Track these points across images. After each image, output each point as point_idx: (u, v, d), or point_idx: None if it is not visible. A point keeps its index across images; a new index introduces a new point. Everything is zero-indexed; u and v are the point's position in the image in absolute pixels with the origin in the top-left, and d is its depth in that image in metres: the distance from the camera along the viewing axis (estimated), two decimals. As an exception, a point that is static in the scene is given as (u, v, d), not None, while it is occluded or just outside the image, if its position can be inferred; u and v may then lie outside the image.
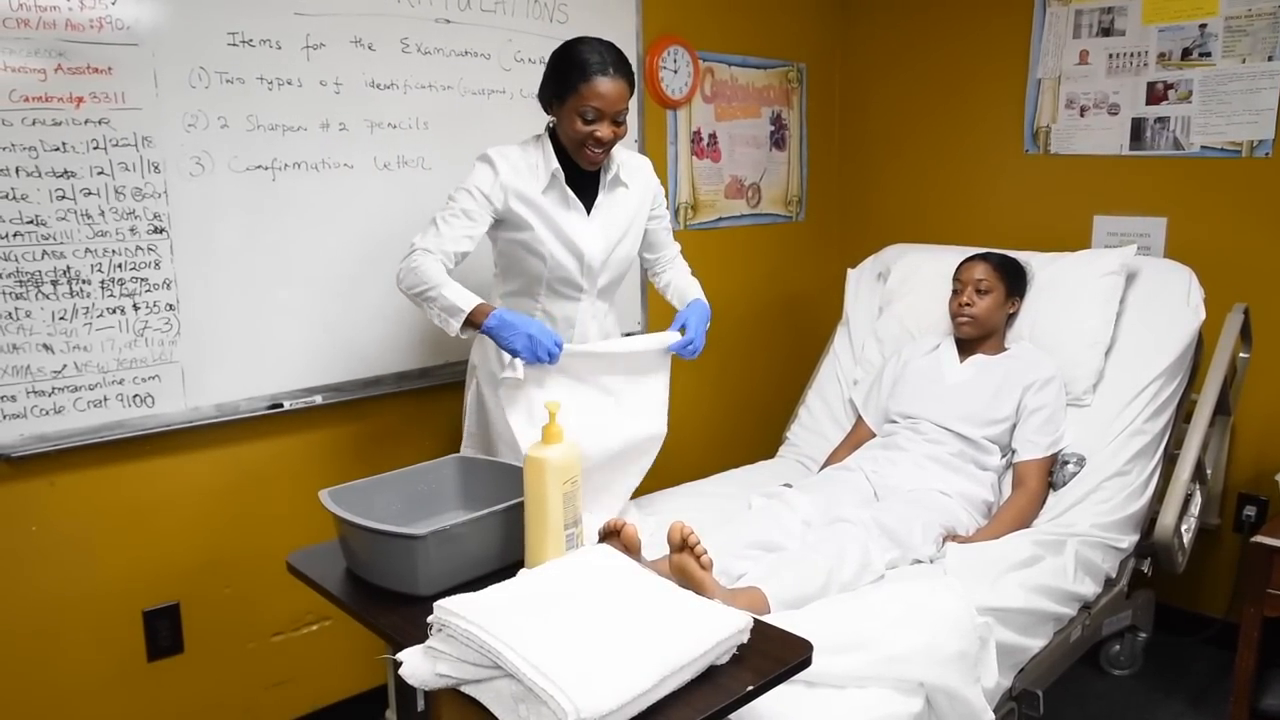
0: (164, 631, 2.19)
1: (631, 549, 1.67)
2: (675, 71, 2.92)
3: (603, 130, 1.98)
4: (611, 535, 1.68)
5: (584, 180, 2.10)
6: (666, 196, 2.49)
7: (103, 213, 1.94)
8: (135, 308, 2.01)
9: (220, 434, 2.19)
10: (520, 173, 2.04)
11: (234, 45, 2.06)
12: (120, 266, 1.98)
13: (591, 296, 2.16)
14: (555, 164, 2.05)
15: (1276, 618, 2.36)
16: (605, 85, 1.96)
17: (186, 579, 2.20)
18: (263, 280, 2.19)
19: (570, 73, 1.97)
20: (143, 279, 2.01)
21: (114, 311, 1.98)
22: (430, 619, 1.20)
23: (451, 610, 1.17)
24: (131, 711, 2.15)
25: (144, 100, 1.96)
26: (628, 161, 2.19)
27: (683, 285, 2.32)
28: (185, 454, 2.15)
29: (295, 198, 2.21)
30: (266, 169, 2.16)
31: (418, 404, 2.52)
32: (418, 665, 1.17)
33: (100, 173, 1.93)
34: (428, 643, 1.19)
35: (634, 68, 2.06)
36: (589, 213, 2.11)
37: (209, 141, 2.06)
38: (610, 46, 2.02)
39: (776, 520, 2.05)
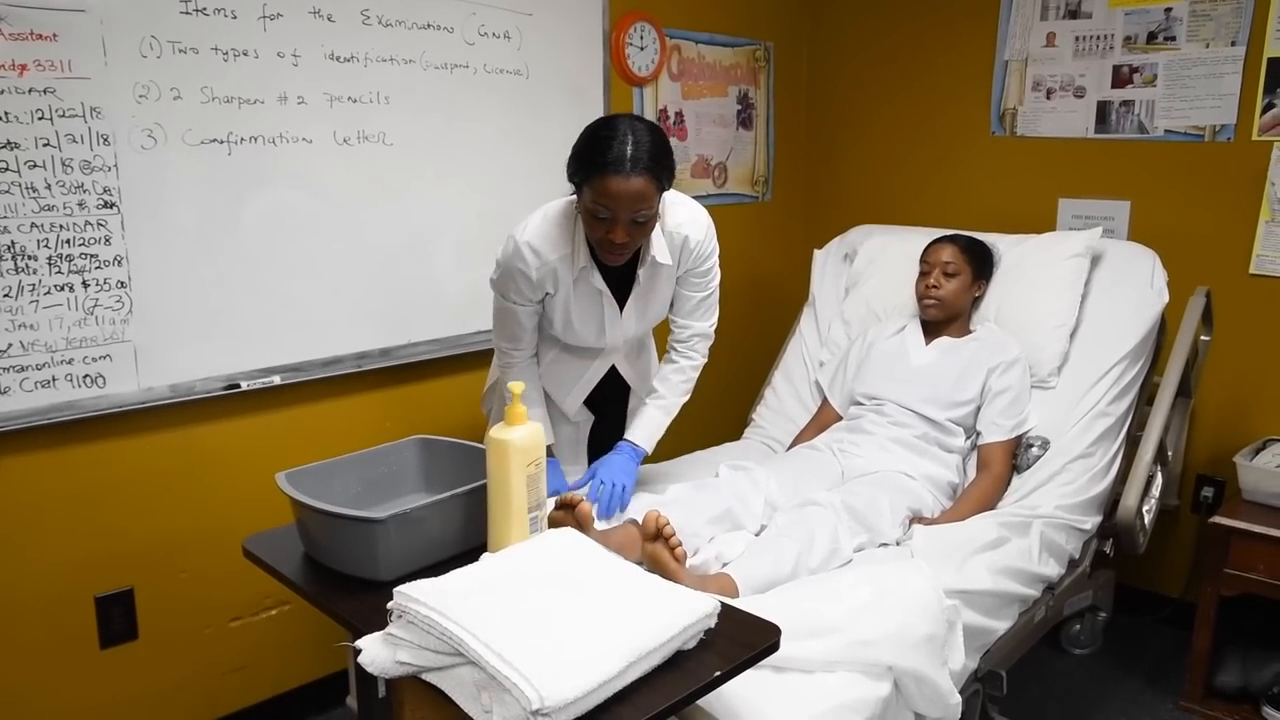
0: (117, 617, 2.14)
1: (584, 524, 1.66)
2: (642, 48, 2.88)
3: (617, 233, 1.75)
4: (565, 508, 1.67)
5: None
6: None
7: (49, 186, 1.88)
8: (85, 285, 1.95)
9: (175, 415, 2.14)
10: (549, 265, 1.90)
11: (187, 14, 2.00)
12: (69, 242, 1.91)
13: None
14: (585, 258, 1.90)
15: (1233, 597, 2.40)
16: (618, 185, 1.69)
17: (140, 564, 2.15)
18: (219, 257, 2.13)
19: (585, 161, 1.75)
20: (92, 255, 1.95)
21: (62, 289, 1.92)
22: (390, 605, 1.16)
23: (411, 596, 1.14)
24: (83, 700, 2.10)
25: (92, 69, 1.89)
26: (675, 228, 1.94)
27: (646, 411, 2.09)
28: (138, 436, 2.10)
29: (252, 172, 2.15)
30: (222, 143, 2.10)
31: (379, 385, 2.47)
32: (377, 653, 1.14)
33: (46, 144, 1.86)
34: (387, 629, 1.15)
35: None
36: (622, 306, 2.00)
37: (161, 113, 1.99)
38: (645, 131, 1.74)
39: (740, 497, 2.03)
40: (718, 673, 1.16)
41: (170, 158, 2.02)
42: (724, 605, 1.27)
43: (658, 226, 1.90)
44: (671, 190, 1.96)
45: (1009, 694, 1.92)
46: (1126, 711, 2.49)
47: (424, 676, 1.13)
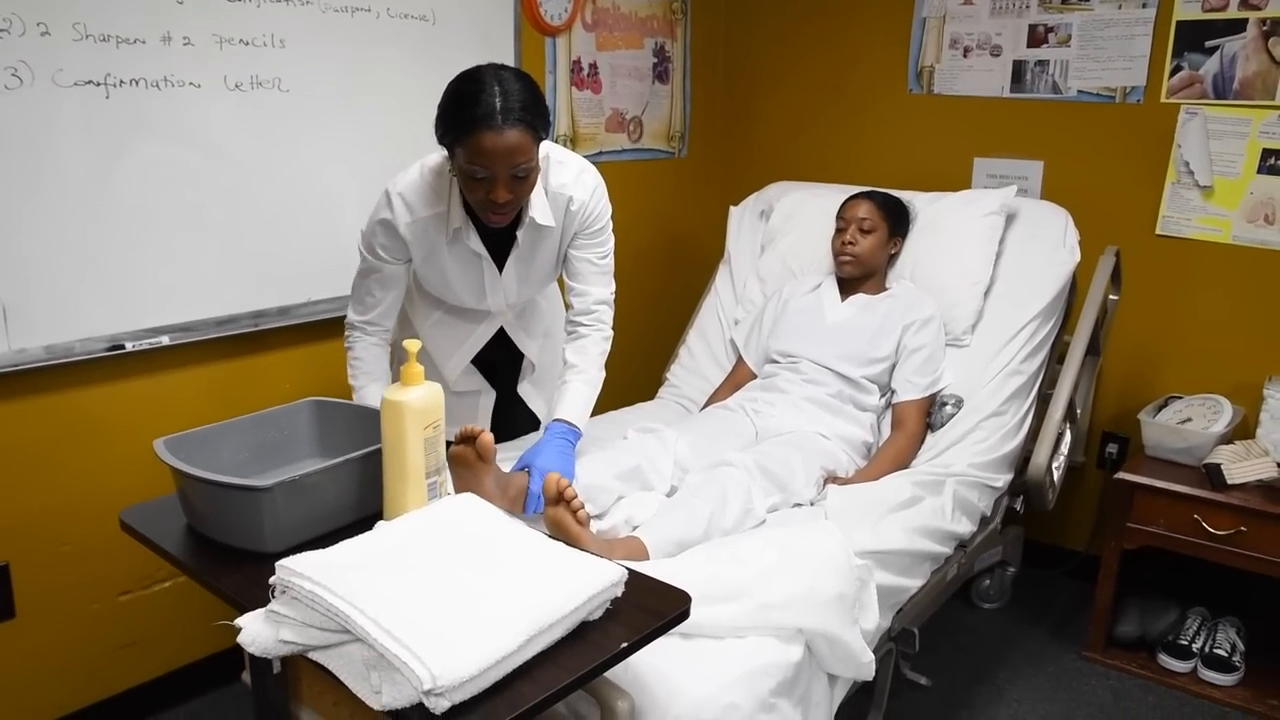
0: (-9, 595, 2.01)
1: (485, 457, 1.60)
2: (554, -5, 2.78)
3: (499, 193, 1.66)
4: (466, 441, 1.61)
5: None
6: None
7: (-104, 128, 1.71)
8: (-58, 237, 1.79)
9: (52, 378, 2.00)
10: (420, 222, 1.81)
11: (54, -60, 1.84)
12: (-77, 190, 1.76)
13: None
14: (460, 218, 1.81)
15: (1134, 550, 2.45)
16: (491, 140, 1.59)
17: (16, 537, 2.01)
18: (99, 209, 1.98)
19: (453, 120, 1.63)
20: (-50, 204, 1.79)
21: (-84, 241, 1.77)
22: (272, 580, 1.08)
23: (294, 570, 1.06)
24: (-44, 682, 1.98)
25: (-57, 0, 1.73)
26: (559, 189, 1.86)
27: (569, 387, 1.93)
28: (10, 401, 1.95)
29: (134, 118, 2.00)
30: (99, 85, 1.94)
31: (276, 345, 2.36)
32: (259, 632, 1.06)
33: (-111, 82, 1.70)
34: (269, 606, 1.07)
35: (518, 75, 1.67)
36: (501, 267, 1.91)
37: (26, 50, 1.83)
38: (513, 79, 1.64)
39: (648, 456, 1.98)
40: (624, 644, 1.11)
41: (39, 99, 1.86)
42: (631, 573, 1.22)
43: (539, 186, 1.81)
44: (557, 148, 1.88)
45: (920, 650, 1.93)
46: (1033, 662, 2.54)
47: (311, 655, 1.06)
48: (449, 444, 1.61)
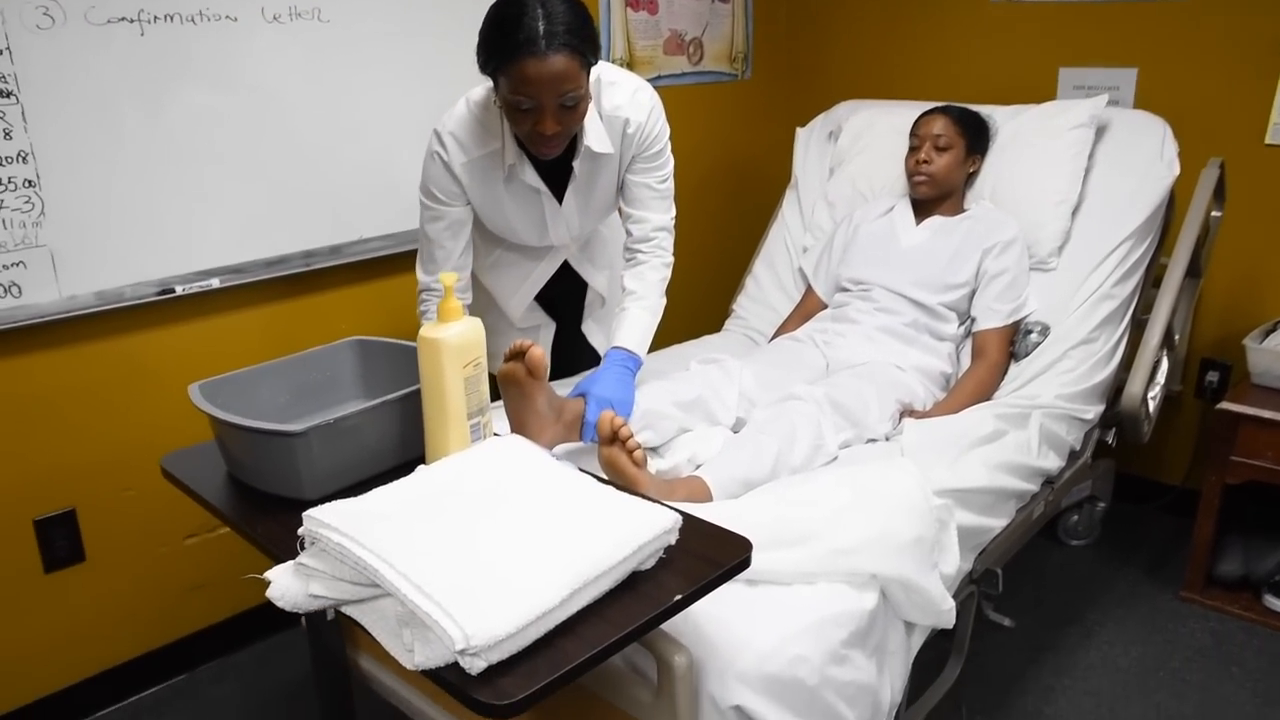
0: (60, 540, 2.02)
1: (536, 373, 1.52)
2: (605, -92, 2.62)
3: (546, 124, 1.55)
4: (516, 357, 1.53)
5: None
6: (604, 57, 2.14)
7: (-73, 71, 1.67)
8: (-16, 184, 1.76)
9: (104, 324, 1.98)
10: (475, 162, 1.71)
11: None
12: (-41, 137, 1.72)
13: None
14: (514, 154, 1.70)
15: (1238, 485, 2.29)
16: (535, 68, 1.47)
17: (80, 483, 2.02)
18: (140, 152, 1.93)
19: (494, 48, 1.52)
20: (-10, 151, 1.76)
21: (-42, 190, 1.74)
22: (300, 531, 1.02)
23: (322, 521, 0.99)
24: (32, 627, 2.00)
25: (-33, -66, 1.67)
26: (613, 111, 1.73)
27: (628, 314, 1.83)
28: (64, 348, 1.94)
29: (170, 55, 1.94)
30: (133, 21, 1.88)
31: (329, 285, 2.30)
32: (288, 585, 1.00)
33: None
34: (298, 559, 1.01)
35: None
36: (561, 199, 1.81)
37: (56, -14, 1.77)
38: (558, 1, 1.51)
39: (712, 386, 1.87)
40: (678, 596, 1.02)
41: (72, 39, 1.81)
42: (687, 517, 1.13)
43: (592, 111, 1.70)
44: (609, 67, 1.75)
45: (1003, 590, 1.81)
46: (1124, 603, 2.40)
47: (344, 610, 0.99)
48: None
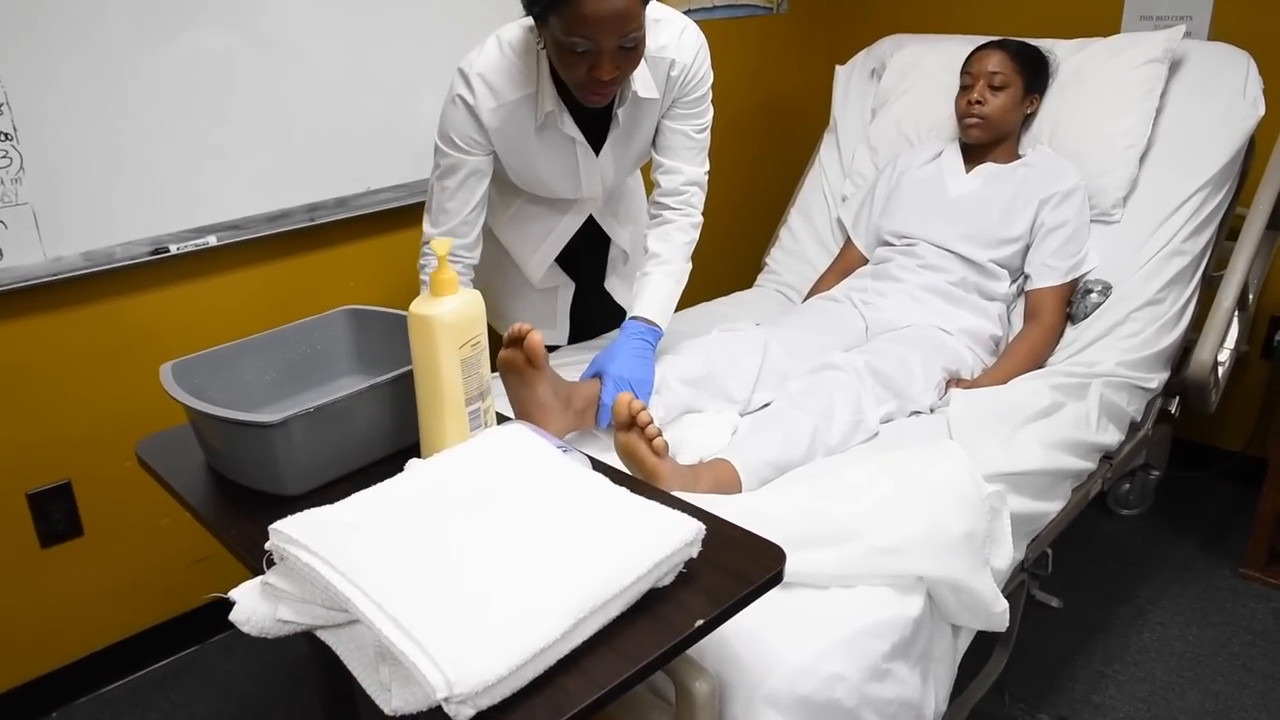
0: (56, 514, 1.93)
1: (535, 362, 1.40)
2: None
3: (604, 69, 1.41)
4: (514, 344, 1.41)
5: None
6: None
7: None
8: (-47, 136, 1.63)
9: (93, 287, 1.86)
10: (506, 107, 1.56)
11: None
12: (-77, 83, 1.58)
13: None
14: (552, 100, 1.55)
15: (1312, 455, 2.12)
16: (595, 6, 1.34)
17: (75, 454, 1.92)
18: (128, 99, 1.79)
19: None
20: (-42, 100, 1.62)
21: (-76, 141, 1.61)
22: (267, 545, 0.89)
23: (290, 536, 0.86)
24: (29, 602, 1.92)
25: None
26: (658, 53, 1.59)
27: (650, 280, 1.70)
28: (52, 313, 1.83)
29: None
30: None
31: (336, 240, 2.16)
32: (254, 608, 0.87)
33: None
34: (264, 577, 0.89)
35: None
36: (598, 150, 1.66)
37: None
38: None
39: (729, 358, 1.71)
40: (700, 621, 0.89)
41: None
42: (713, 523, 0.99)
43: None
44: (653, 3, 1.59)
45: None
46: (1179, 579, 2.26)
47: (318, 634, 0.87)
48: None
